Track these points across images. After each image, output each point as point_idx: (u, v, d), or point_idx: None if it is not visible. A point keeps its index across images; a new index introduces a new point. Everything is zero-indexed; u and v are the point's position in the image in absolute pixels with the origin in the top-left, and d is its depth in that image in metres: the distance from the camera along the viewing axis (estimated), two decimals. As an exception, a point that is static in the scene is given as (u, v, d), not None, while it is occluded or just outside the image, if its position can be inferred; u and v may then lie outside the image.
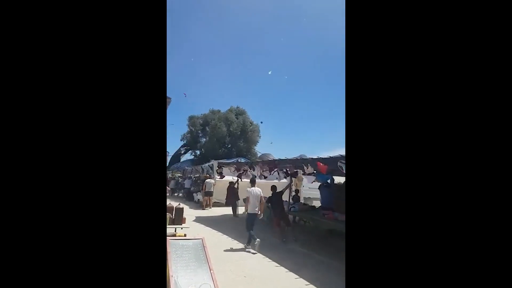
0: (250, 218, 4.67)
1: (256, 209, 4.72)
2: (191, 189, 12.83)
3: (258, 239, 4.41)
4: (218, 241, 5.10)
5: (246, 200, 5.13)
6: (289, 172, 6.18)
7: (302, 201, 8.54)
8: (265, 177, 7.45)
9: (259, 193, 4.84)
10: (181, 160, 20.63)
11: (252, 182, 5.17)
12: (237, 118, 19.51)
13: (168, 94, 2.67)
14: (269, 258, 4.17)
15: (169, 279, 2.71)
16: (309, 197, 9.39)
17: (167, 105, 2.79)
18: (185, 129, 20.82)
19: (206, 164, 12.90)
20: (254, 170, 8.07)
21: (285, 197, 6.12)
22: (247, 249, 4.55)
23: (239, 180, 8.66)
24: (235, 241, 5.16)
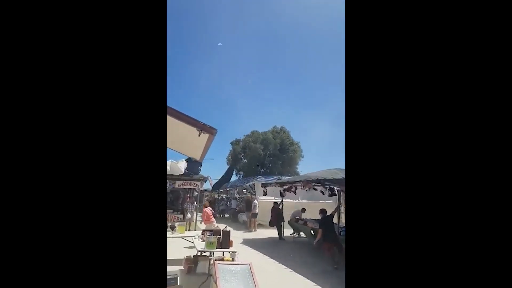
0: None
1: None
2: (236, 209, 13.00)
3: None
4: (266, 266, 4.95)
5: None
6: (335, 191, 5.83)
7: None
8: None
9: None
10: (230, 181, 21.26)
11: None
12: (274, 139, 19.60)
13: (213, 124, 2.79)
14: (321, 286, 3.86)
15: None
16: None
17: (213, 136, 2.92)
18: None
19: (247, 184, 13.03)
20: (295, 189, 7.85)
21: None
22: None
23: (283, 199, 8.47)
24: (283, 265, 4.95)
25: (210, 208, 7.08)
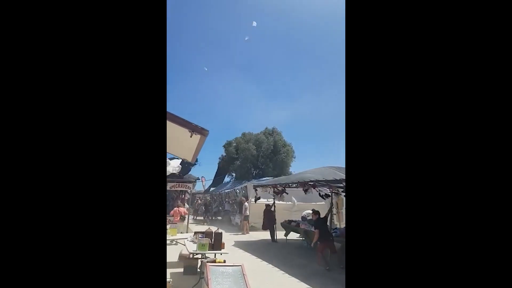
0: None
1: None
2: (230, 211, 12.95)
3: None
4: (258, 267, 4.93)
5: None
6: (329, 193, 5.88)
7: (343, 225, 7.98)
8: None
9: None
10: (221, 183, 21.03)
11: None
12: (267, 139, 19.64)
13: (204, 125, 2.79)
14: (314, 288, 3.87)
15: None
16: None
17: (204, 138, 2.92)
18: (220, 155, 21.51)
19: (239, 187, 12.98)
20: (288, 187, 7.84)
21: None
22: None
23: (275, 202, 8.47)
24: (276, 268, 4.94)
25: (182, 210, 7.35)
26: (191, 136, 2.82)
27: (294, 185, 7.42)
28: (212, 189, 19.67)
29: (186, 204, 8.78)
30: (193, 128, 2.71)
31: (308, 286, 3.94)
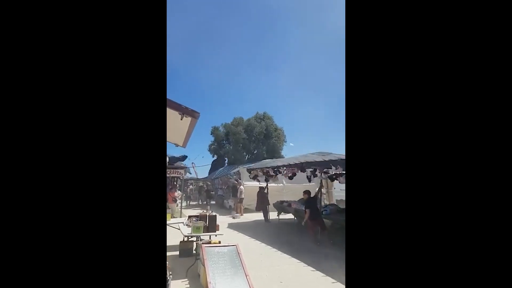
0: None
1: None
2: (223, 195, 13.14)
3: None
4: (253, 246, 5.11)
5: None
6: (317, 173, 6.04)
7: (334, 203, 8.28)
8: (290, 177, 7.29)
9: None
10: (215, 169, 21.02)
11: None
12: (259, 123, 19.62)
13: (196, 108, 2.75)
14: (304, 263, 4.06)
15: (206, 286, 2.77)
16: (342, 199, 9.03)
17: (196, 120, 2.88)
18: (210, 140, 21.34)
19: (232, 171, 13.10)
20: (279, 173, 8.01)
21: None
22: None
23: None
24: (269, 246, 5.13)
25: (173, 193, 8.18)
26: (181, 119, 2.77)
27: (284, 170, 7.55)
28: (203, 177, 19.72)
29: (178, 190, 8.84)
30: (184, 111, 2.67)
31: (299, 261, 4.14)
